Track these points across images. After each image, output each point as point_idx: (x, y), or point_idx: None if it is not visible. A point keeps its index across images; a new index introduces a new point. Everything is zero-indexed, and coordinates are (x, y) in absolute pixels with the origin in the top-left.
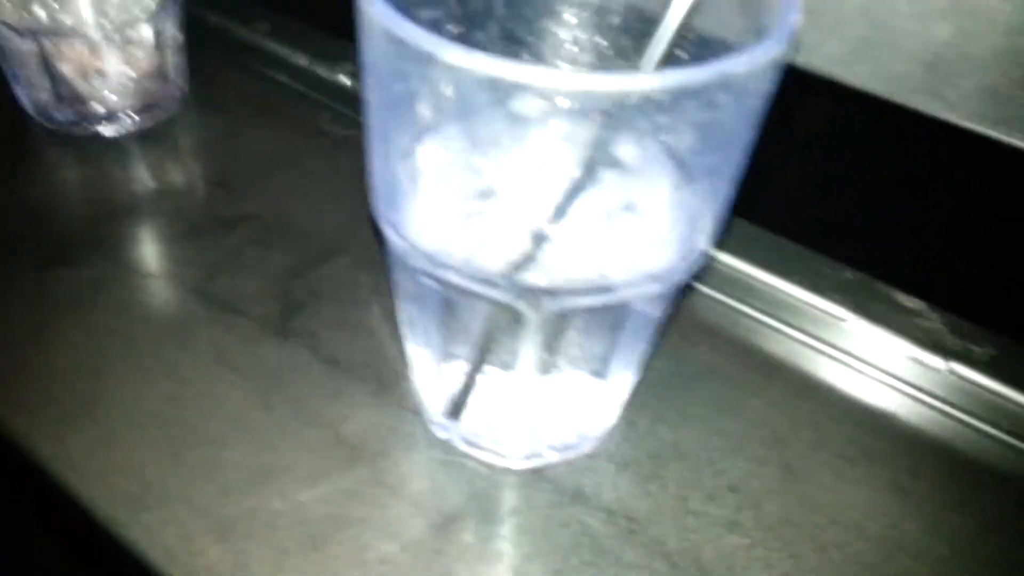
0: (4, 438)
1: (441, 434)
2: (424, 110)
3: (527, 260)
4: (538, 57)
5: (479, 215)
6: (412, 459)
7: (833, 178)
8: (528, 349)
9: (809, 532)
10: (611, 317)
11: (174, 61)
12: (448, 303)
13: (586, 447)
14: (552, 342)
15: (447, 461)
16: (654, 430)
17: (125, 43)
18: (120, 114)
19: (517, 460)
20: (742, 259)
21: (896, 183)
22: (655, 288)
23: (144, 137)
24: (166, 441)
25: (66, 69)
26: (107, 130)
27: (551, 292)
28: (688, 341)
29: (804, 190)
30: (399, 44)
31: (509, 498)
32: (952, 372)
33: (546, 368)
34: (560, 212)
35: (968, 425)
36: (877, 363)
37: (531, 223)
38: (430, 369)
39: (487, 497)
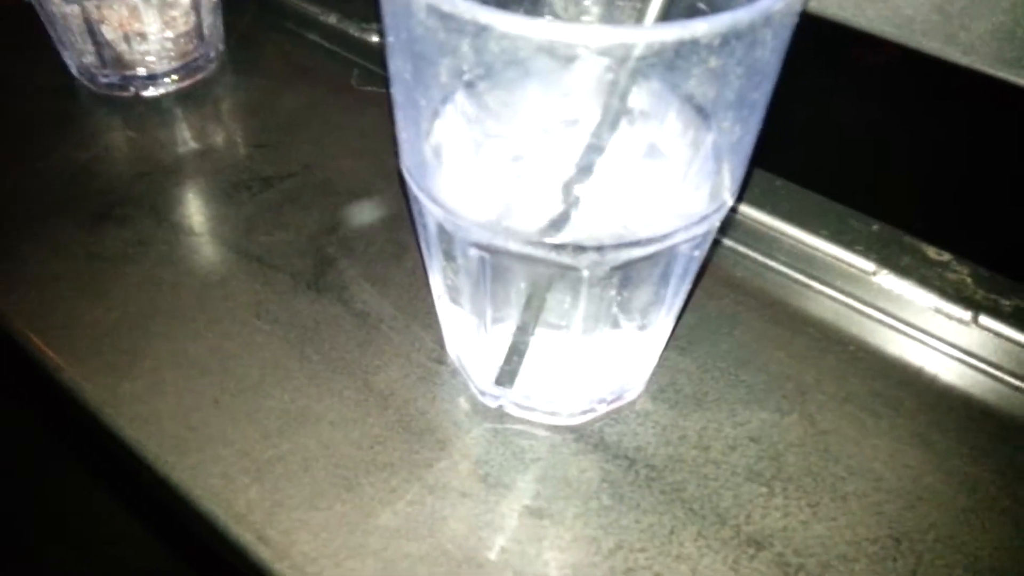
0: (60, 385)
1: (491, 403)
2: (447, 72)
3: (564, 219)
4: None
5: (511, 176)
6: (438, 407)
7: (856, 128)
8: (574, 307)
9: (829, 482)
10: (651, 268)
11: (209, 21)
12: (489, 266)
13: (629, 396)
14: (596, 297)
15: (473, 408)
16: (676, 382)
17: (163, 5)
18: (160, 75)
19: (570, 417)
20: (766, 212)
21: (918, 131)
22: (691, 234)
23: (183, 97)
24: (209, 388)
25: (108, 32)
26: (148, 91)
27: (590, 248)
28: (712, 294)
29: (827, 141)
30: (418, 4)
31: (531, 445)
32: (978, 324)
33: (594, 324)
34: (587, 169)
35: (994, 377)
36: (903, 316)
37: (561, 182)
38: (471, 334)
39: (510, 443)
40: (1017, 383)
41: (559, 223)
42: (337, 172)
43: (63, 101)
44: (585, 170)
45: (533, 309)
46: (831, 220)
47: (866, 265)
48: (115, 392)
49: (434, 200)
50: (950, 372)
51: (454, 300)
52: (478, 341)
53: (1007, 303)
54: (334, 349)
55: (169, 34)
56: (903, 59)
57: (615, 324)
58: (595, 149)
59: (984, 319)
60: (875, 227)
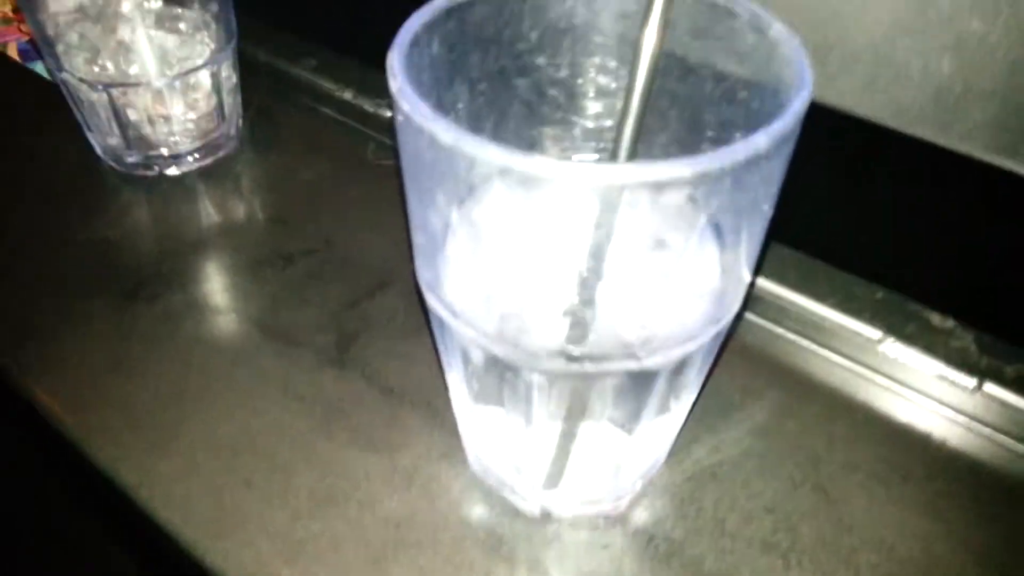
0: (94, 466)
1: (531, 507)
2: (448, 195)
3: (581, 335)
4: (564, 110)
5: (516, 294)
6: (461, 484)
7: (862, 202)
8: (596, 409)
9: (843, 554)
10: (673, 369)
11: (229, 101)
12: (509, 375)
13: (649, 478)
14: (617, 399)
15: (493, 488)
16: (691, 452)
17: (186, 88)
18: (183, 154)
19: (608, 505)
20: (776, 281)
21: (922, 206)
22: (702, 340)
23: (205, 174)
24: (241, 469)
25: (133, 116)
26: (171, 170)
27: (603, 358)
28: (724, 363)
29: (834, 213)
30: (428, 136)
31: (556, 530)
32: (983, 391)
33: (618, 422)
34: (591, 288)
35: (1000, 444)
36: (910, 383)
37: (567, 303)
38: (497, 435)
39: (532, 521)
40: (1022, 449)
41: (577, 338)
42: (356, 247)
43: (89, 180)
44: (589, 291)
45: (575, 417)
46: (837, 288)
47: (872, 333)
48: (151, 473)
49: (452, 312)
50: (956, 438)
51: (478, 401)
52: (503, 442)
53: (1010, 369)
54: (359, 426)
55: (192, 115)
56: (900, 142)
57: (634, 420)
58: (595, 271)
59: (988, 386)
60: (880, 294)
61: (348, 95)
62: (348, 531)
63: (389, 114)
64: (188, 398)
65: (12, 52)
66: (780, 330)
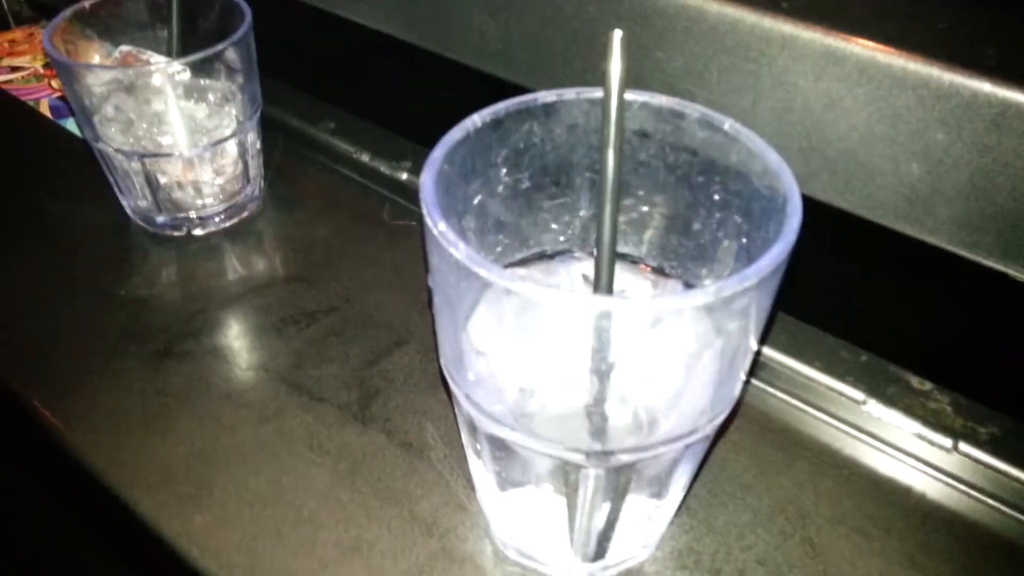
0: (137, 519)
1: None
2: (470, 303)
3: (601, 432)
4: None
5: (531, 393)
6: (477, 534)
7: (849, 277)
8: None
9: None
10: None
11: (254, 164)
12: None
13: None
14: (624, 482)
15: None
16: (689, 507)
17: (215, 156)
18: (210, 216)
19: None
20: (768, 345)
21: (902, 283)
22: (713, 422)
23: (230, 234)
24: (271, 521)
25: (164, 181)
26: (198, 230)
27: (615, 453)
28: None
29: (823, 285)
30: (454, 260)
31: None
32: (958, 450)
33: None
34: (600, 397)
35: (975, 499)
36: (891, 441)
37: (583, 407)
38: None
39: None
40: (996, 504)
41: (599, 435)
42: (375, 305)
43: (121, 240)
44: (600, 393)
45: (619, 497)
46: (824, 351)
47: (856, 394)
48: (188, 525)
49: (474, 404)
50: (934, 494)
51: (503, 488)
52: (533, 523)
53: (983, 431)
54: (381, 479)
55: (219, 180)
56: (878, 231)
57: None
58: (603, 376)
59: (963, 446)
60: (864, 358)
61: (365, 157)
62: None
63: (404, 176)
64: (220, 453)
65: (44, 109)
66: (771, 390)
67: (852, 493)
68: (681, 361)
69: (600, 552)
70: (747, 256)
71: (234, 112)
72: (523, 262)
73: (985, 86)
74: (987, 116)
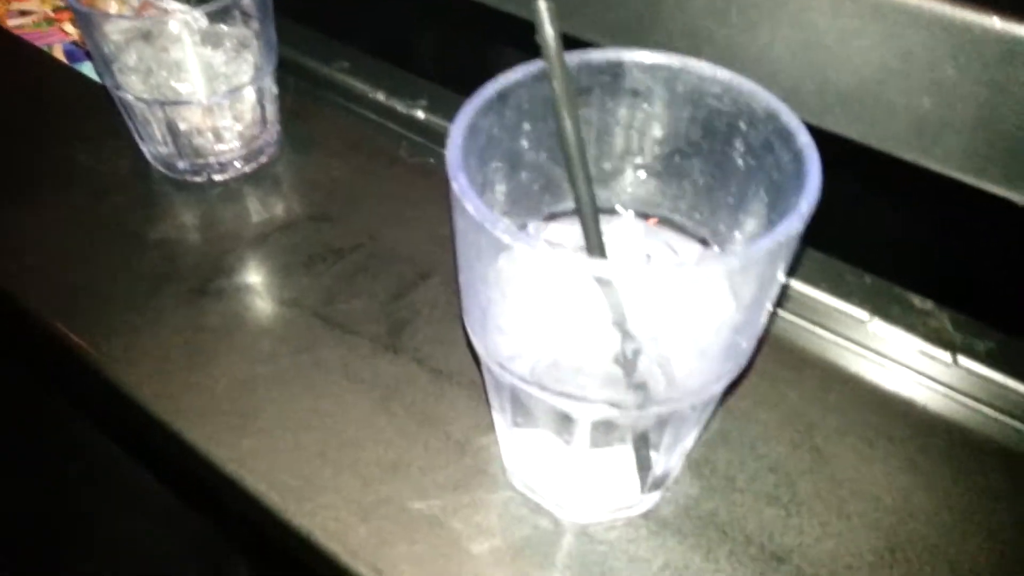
0: (186, 446)
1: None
2: (494, 275)
3: (640, 386)
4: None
5: (560, 348)
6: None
7: (855, 203)
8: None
9: (835, 504)
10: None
11: (271, 109)
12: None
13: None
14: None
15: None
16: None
17: (233, 103)
18: (230, 161)
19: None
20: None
21: (906, 209)
22: (724, 381)
23: (250, 178)
24: (314, 444)
25: (184, 129)
26: (220, 176)
27: (641, 405)
28: None
29: (830, 211)
30: (475, 222)
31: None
32: (957, 364)
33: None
34: (626, 357)
35: (972, 409)
36: (894, 357)
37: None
38: (536, 459)
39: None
40: (992, 413)
41: (631, 390)
42: (397, 241)
43: (144, 186)
44: (629, 351)
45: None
46: (831, 275)
47: (861, 314)
48: (237, 449)
49: (499, 363)
50: (934, 405)
51: (518, 426)
52: (543, 463)
53: (981, 345)
54: (415, 404)
55: (238, 126)
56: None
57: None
58: (628, 335)
59: (962, 359)
60: (868, 280)
61: (381, 96)
62: (412, 493)
63: (420, 114)
64: (260, 383)
65: (58, 53)
66: (781, 312)
67: (857, 406)
68: (697, 320)
69: (655, 483)
70: (771, 212)
71: (251, 58)
72: (563, 215)
73: (995, 22)
74: (996, 52)
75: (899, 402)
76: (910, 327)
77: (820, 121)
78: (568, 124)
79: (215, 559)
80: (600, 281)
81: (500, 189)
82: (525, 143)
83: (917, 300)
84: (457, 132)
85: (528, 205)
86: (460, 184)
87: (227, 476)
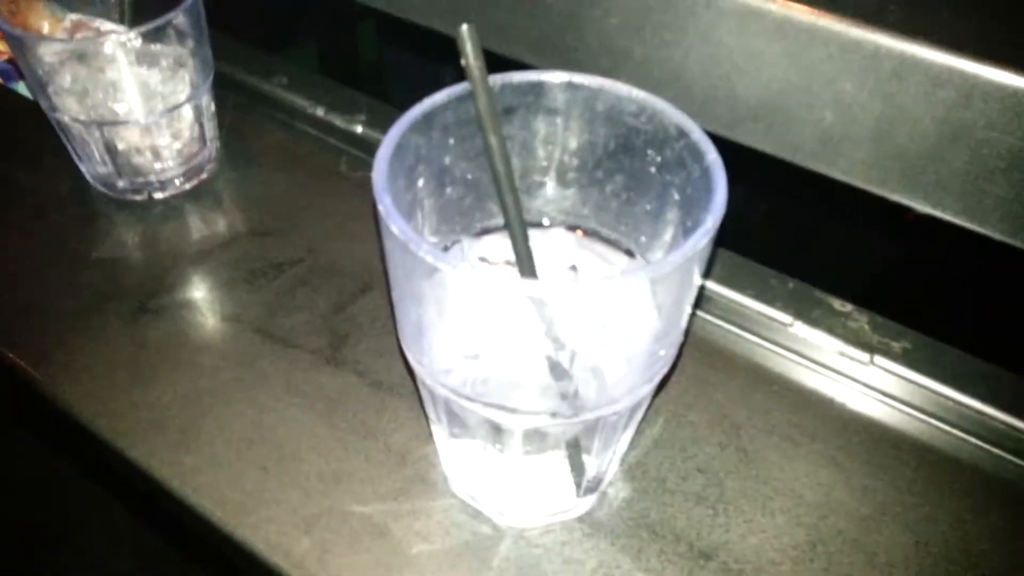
0: (130, 464)
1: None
2: (423, 293)
3: (572, 395)
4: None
5: (491, 365)
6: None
7: (776, 212)
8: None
9: (760, 502)
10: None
11: (210, 126)
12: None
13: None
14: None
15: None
16: (637, 428)
17: (171, 121)
18: (170, 179)
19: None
20: (704, 277)
21: (824, 217)
22: (650, 385)
23: (191, 195)
24: (256, 458)
25: (123, 148)
26: (160, 194)
27: (574, 413)
28: None
29: (753, 219)
30: (401, 243)
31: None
32: (875, 363)
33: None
34: (559, 368)
35: (890, 406)
36: (816, 359)
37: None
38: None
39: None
40: (907, 410)
41: (564, 399)
42: (339, 255)
43: (84, 206)
44: (558, 363)
45: (574, 449)
46: (756, 281)
47: (784, 318)
48: (179, 466)
49: (432, 377)
50: (854, 403)
51: (457, 438)
52: (481, 472)
53: (897, 346)
54: (356, 416)
55: (177, 144)
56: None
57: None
58: (559, 345)
59: (879, 359)
60: (791, 285)
61: (320, 112)
62: (354, 503)
63: (359, 129)
64: (203, 399)
65: None
66: (708, 317)
67: (781, 406)
68: (623, 329)
69: (589, 487)
70: (685, 223)
71: (188, 76)
72: (494, 229)
73: (887, 40)
74: (887, 67)
75: (821, 401)
76: (830, 329)
77: (732, 134)
78: (494, 141)
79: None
80: (530, 299)
81: (430, 207)
82: (453, 161)
83: (837, 303)
84: (384, 154)
85: (460, 222)
86: (385, 206)
87: (171, 492)
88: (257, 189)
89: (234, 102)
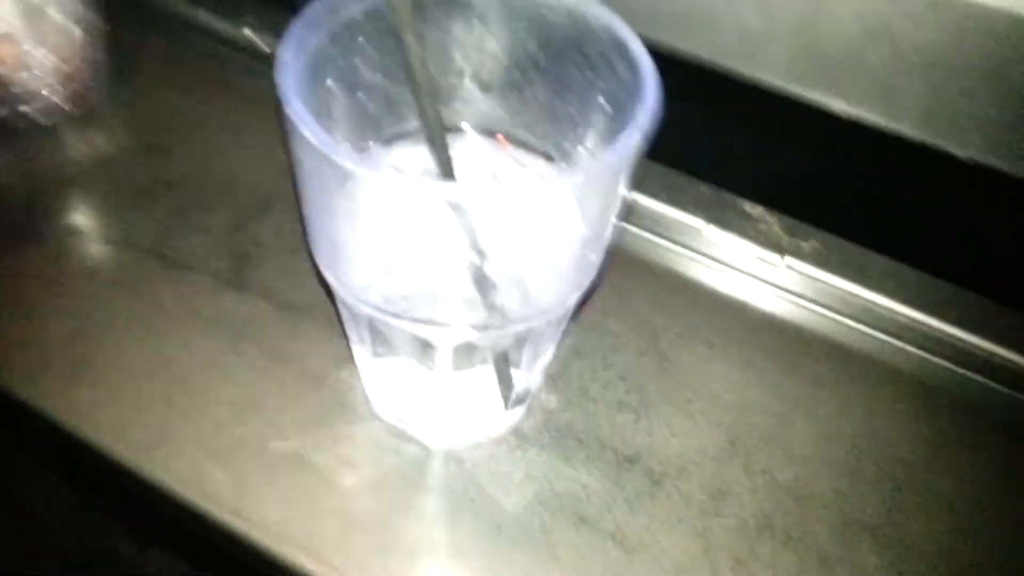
0: (20, 405)
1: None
2: (339, 205)
3: (491, 307)
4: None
5: (412, 275)
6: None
7: (691, 116)
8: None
9: (681, 406)
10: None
11: (91, 38)
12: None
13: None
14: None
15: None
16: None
17: (44, 34)
18: (50, 99)
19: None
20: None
21: (733, 119)
22: (578, 294)
23: (75, 117)
24: (159, 390)
25: None
26: (41, 117)
27: (503, 325)
28: None
29: (665, 122)
30: (315, 150)
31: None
32: (786, 264)
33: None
34: (481, 275)
35: (802, 307)
36: (729, 262)
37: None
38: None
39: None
40: (817, 309)
41: (490, 311)
42: (233, 170)
43: None
44: (479, 272)
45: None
46: (669, 185)
47: (697, 223)
48: (73, 402)
49: (352, 294)
50: (768, 305)
51: (379, 356)
52: (406, 389)
53: (807, 246)
54: (265, 341)
55: (54, 60)
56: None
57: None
58: (478, 255)
59: (790, 260)
60: (702, 188)
61: (203, 16)
62: (271, 432)
63: (249, 34)
64: (95, 331)
65: None
66: (625, 224)
67: (697, 309)
68: (548, 237)
69: (517, 400)
70: (611, 125)
71: None
72: (405, 136)
73: None
74: None
75: (735, 304)
76: (742, 232)
77: (650, 32)
78: (410, 39)
79: (92, 520)
80: (451, 205)
81: (337, 112)
82: (360, 62)
83: (748, 206)
84: (287, 53)
85: (369, 128)
86: (295, 110)
87: (68, 431)
88: (141, 103)
89: (107, 10)
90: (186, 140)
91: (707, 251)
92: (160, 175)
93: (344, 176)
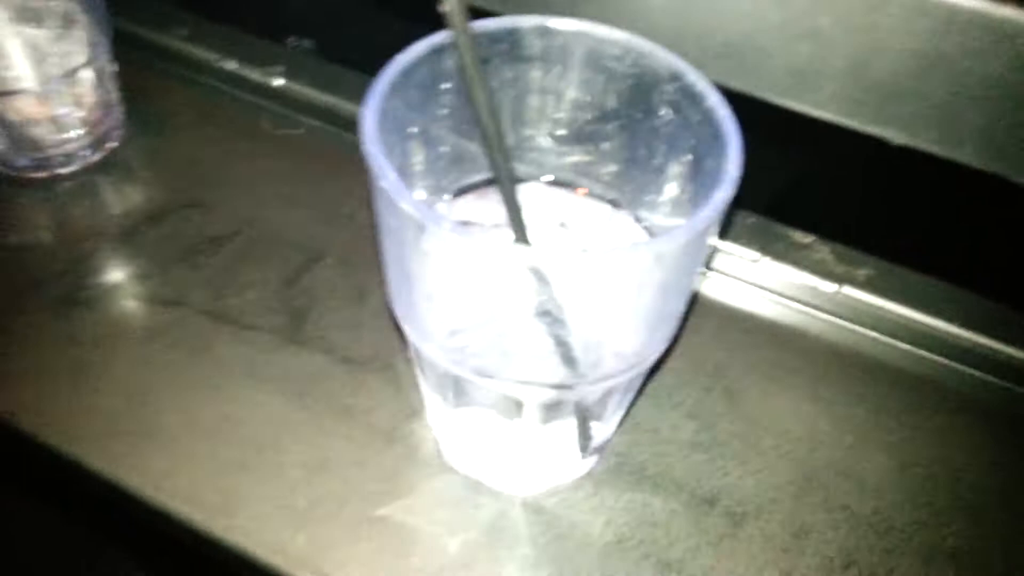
0: (93, 475)
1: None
2: (410, 252)
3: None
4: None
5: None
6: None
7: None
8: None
9: (752, 442)
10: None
11: (114, 88)
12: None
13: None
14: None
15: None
16: None
17: (70, 87)
18: (75, 151)
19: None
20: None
21: (787, 151)
22: (664, 346)
23: (101, 167)
24: (231, 453)
25: (17, 120)
26: (66, 169)
27: (591, 382)
28: None
29: None
30: (398, 209)
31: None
32: (842, 292)
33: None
34: (563, 338)
35: (859, 334)
36: (785, 292)
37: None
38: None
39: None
40: (877, 336)
41: (571, 370)
42: (279, 223)
43: None
44: (562, 335)
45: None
46: None
47: (750, 254)
48: (146, 470)
49: (425, 343)
50: (825, 334)
51: (459, 407)
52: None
53: (861, 274)
54: (331, 396)
55: (80, 113)
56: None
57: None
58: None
59: (845, 288)
60: (751, 220)
61: (233, 65)
62: (347, 491)
63: (280, 82)
64: (159, 395)
65: None
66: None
67: (756, 343)
68: (638, 296)
69: (595, 451)
70: (694, 182)
71: (82, 34)
72: (478, 186)
73: None
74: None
75: (794, 336)
76: (796, 263)
77: (704, 71)
78: (480, 95)
79: None
80: (531, 270)
81: (413, 167)
82: (431, 119)
83: (799, 235)
84: (369, 109)
85: (439, 182)
86: (377, 162)
87: (141, 499)
88: (175, 154)
89: (133, 60)
90: (224, 194)
91: (762, 283)
92: (204, 230)
93: (419, 229)
